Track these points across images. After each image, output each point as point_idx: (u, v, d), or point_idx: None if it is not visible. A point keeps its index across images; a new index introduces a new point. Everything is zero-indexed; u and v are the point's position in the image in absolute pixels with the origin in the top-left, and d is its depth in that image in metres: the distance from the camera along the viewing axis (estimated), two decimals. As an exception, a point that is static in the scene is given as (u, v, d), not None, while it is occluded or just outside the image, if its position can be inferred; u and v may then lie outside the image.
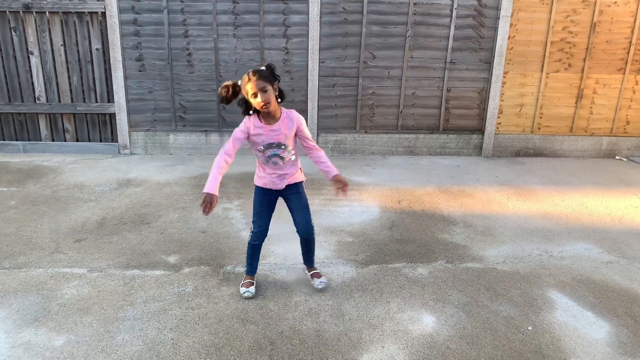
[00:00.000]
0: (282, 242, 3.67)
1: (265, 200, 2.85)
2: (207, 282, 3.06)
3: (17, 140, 6.44)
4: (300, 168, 2.89)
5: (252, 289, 2.90)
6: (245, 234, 3.82)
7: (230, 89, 2.64)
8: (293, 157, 2.79)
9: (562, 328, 2.65)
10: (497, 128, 6.67)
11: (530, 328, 2.64)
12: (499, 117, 6.61)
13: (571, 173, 5.93)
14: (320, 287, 2.96)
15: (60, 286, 2.98)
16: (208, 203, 2.58)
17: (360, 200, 4.71)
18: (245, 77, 2.58)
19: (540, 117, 6.66)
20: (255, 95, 2.54)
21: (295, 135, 2.75)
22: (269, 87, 2.54)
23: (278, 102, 2.66)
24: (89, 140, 6.49)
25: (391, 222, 4.17)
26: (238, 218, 4.17)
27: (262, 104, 2.53)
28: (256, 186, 2.86)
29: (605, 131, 6.79)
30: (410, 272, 3.25)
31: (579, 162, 6.53)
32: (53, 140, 6.46)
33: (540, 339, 2.54)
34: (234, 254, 3.48)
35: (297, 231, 2.90)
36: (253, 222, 2.88)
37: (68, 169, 5.66)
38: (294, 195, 2.84)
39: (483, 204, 4.68)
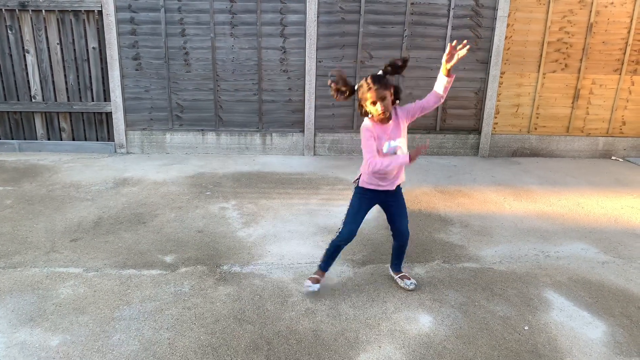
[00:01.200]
0: (278, 242, 3.67)
1: (364, 204, 2.82)
2: (204, 281, 3.06)
3: (12, 139, 6.41)
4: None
5: (317, 286, 2.90)
6: (242, 234, 3.82)
7: (348, 92, 2.62)
8: (406, 152, 2.69)
9: (559, 328, 2.66)
10: (494, 128, 6.68)
11: (526, 328, 2.65)
12: (495, 117, 6.63)
13: (567, 173, 5.95)
14: (411, 287, 2.97)
15: (55, 286, 2.97)
16: (417, 149, 2.46)
17: (357, 199, 4.71)
18: (364, 84, 2.55)
19: (537, 117, 6.68)
20: (374, 103, 2.53)
21: (410, 121, 2.72)
22: (388, 94, 2.54)
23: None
24: (85, 139, 6.46)
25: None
26: (235, 217, 4.16)
27: (382, 113, 2.53)
28: (360, 187, 2.82)
29: (602, 131, 6.82)
30: (407, 272, 3.25)
31: (575, 163, 6.55)
32: (49, 139, 6.43)
33: (537, 339, 2.55)
34: (230, 253, 3.48)
35: (396, 237, 2.94)
36: (344, 223, 2.83)
37: (64, 168, 5.64)
38: (395, 202, 2.85)
39: (480, 204, 4.68)
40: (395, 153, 2.66)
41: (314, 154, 6.60)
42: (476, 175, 5.73)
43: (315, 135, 6.53)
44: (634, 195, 5.10)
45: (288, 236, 3.79)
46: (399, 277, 3.06)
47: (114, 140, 6.44)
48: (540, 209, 4.60)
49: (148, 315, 2.67)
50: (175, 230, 3.86)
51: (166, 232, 3.84)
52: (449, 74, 2.57)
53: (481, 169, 6.06)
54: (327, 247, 2.94)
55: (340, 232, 2.84)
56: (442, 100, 2.66)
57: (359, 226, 2.82)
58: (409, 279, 3.03)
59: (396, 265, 3.09)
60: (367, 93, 2.53)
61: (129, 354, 2.34)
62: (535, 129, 6.73)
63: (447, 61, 2.54)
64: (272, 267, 3.27)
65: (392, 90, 2.59)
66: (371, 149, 2.61)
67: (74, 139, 6.45)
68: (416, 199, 4.79)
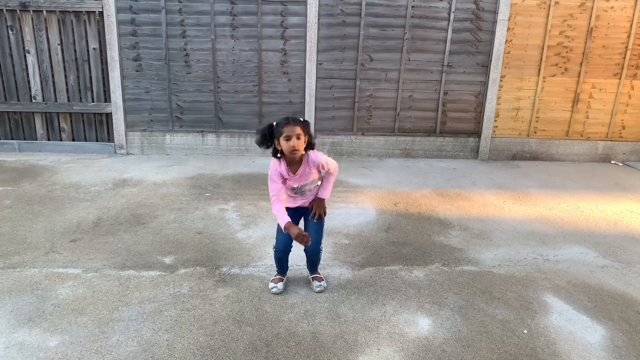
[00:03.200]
0: (278, 244, 3.66)
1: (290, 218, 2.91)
2: (203, 283, 3.05)
3: (12, 139, 6.41)
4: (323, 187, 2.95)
5: (281, 284, 2.99)
6: (241, 236, 3.82)
7: (267, 130, 2.69)
8: (318, 184, 2.91)
9: (558, 332, 2.66)
10: (494, 131, 6.68)
11: (525, 331, 2.65)
12: (495, 121, 6.63)
13: (567, 177, 5.96)
14: (318, 290, 3.00)
15: (54, 286, 2.96)
16: (300, 234, 2.66)
17: (356, 202, 4.71)
18: (283, 119, 2.65)
19: (537, 121, 6.68)
20: (288, 139, 2.60)
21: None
22: (302, 136, 2.64)
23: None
24: (85, 140, 6.47)
25: (387, 224, 4.17)
26: (234, 219, 4.16)
27: (293, 148, 2.61)
28: None
29: (601, 135, 6.83)
30: (406, 275, 3.25)
31: (575, 166, 6.56)
32: (49, 139, 6.43)
33: (536, 343, 2.55)
34: (229, 255, 3.47)
35: (305, 251, 2.94)
36: (276, 238, 2.94)
37: (64, 168, 5.64)
38: (313, 220, 2.92)
39: (479, 207, 4.69)
40: (303, 191, 2.84)
41: (314, 156, 6.59)
42: (476, 179, 5.73)
43: (315, 137, 6.52)
44: (633, 199, 5.11)
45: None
46: (311, 277, 3.10)
47: (113, 141, 6.44)
48: (540, 212, 4.60)
49: (147, 316, 2.67)
50: (174, 232, 3.86)
51: (165, 233, 3.83)
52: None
53: (481, 172, 6.07)
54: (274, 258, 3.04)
55: (275, 246, 2.96)
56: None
57: (287, 236, 2.83)
58: (321, 281, 3.04)
59: (310, 267, 3.13)
60: (283, 127, 2.61)
61: (128, 355, 2.34)
62: (535, 132, 6.74)
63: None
64: (272, 269, 3.26)
65: (307, 137, 2.69)
66: (273, 190, 2.75)
67: (73, 140, 6.45)
68: (415, 202, 4.79)
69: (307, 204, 2.93)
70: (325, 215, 2.92)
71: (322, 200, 2.89)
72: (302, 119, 2.70)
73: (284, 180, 2.79)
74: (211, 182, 5.23)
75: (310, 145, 2.75)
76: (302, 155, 2.73)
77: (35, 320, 2.60)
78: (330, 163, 2.82)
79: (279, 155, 2.73)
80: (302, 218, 2.99)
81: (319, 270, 3.13)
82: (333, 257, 3.47)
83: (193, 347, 2.42)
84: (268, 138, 2.68)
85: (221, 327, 2.60)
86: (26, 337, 2.46)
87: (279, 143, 2.66)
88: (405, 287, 3.09)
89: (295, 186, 2.80)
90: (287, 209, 2.86)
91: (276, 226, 2.86)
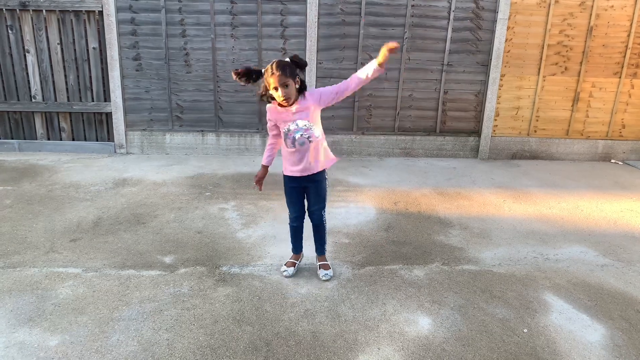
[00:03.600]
0: (278, 243, 3.66)
1: (293, 191, 3.00)
2: (203, 282, 3.06)
3: (12, 138, 6.41)
4: (327, 149, 2.96)
5: (292, 269, 3.12)
6: (241, 235, 3.82)
7: (254, 74, 2.66)
8: (318, 134, 2.84)
9: (558, 331, 2.66)
10: (494, 130, 6.68)
11: (525, 330, 2.65)
12: (495, 120, 6.63)
13: (567, 176, 5.96)
14: (324, 279, 3.09)
15: (55, 286, 2.96)
16: (257, 179, 2.98)
17: (356, 201, 4.71)
18: (269, 69, 2.60)
19: (537, 120, 6.68)
20: (276, 89, 2.59)
21: (323, 107, 2.85)
22: (291, 82, 2.60)
23: (299, 93, 2.72)
24: (85, 140, 6.46)
25: (387, 223, 4.17)
26: (234, 218, 4.16)
27: (283, 98, 2.60)
28: (284, 175, 2.98)
29: (601, 134, 6.82)
30: (406, 274, 3.25)
31: (575, 165, 6.56)
32: (49, 139, 6.43)
33: (536, 342, 2.55)
34: (229, 254, 3.47)
35: (310, 218, 3.07)
36: (289, 209, 3.08)
37: (64, 168, 5.64)
38: (313, 186, 2.95)
39: (479, 206, 4.69)
40: (302, 135, 2.76)
41: (314, 156, 6.60)
42: (476, 178, 5.73)
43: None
44: (633, 198, 5.11)
45: (287, 238, 3.77)
46: (318, 263, 3.19)
47: (113, 141, 6.44)
48: (540, 211, 4.60)
49: (147, 315, 2.67)
50: (174, 231, 3.86)
51: (166, 232, 3.83)
52: (381, 65, 2.73)
53: (481, 171, 6.07)
54: (290, 229, 3.17)
55: (289, 216, 3.12)
56: (363, 84, 2.82)
57: (301, 205, 3.03)
58: (327, 269, 3.13)
59: (317, 249, 3.22)
60: (269, 78, 2.59)
61: (128, 355, 2.34)
62: (535, 131, 6.74)
63: (391, 51, 2.68)
64: (272, 268, 3.27)
65: (297, 80, 2.65)
66: (269, 129, 2.90)
67: (73, 139, 6.45)
68: (415, 201, 4.79)
69: (309, 170, 2.86)
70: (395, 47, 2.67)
71: (379, 59, 2.76)
72: (287, 62, 2.61)
73: (279, 122, 2.79)
74: (211, 182, 5.23)
75: (302, 86, 2.70)
76: (297, 97, 2.72)
77: (35, 320, 2.60)
78: (336, 85, 2.77)
79: (270, 101, 2.75)
80: (305, 192, 3.00)
81: (326, 255, 3.22)
82: (333, 257, 3.47)
83: (193, 347, 2.42)
84: (263, 92, 2.68)
85: (221, 326, 2.60)
86: (26, 337, 2.46)
87: (269, 90, 2.66)
88: (405, 286, 3.09)
89: (290, 128, 2.74)
90: (290, 179, 2.92)
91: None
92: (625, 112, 6.74)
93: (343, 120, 6.56)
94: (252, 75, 2.66)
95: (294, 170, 2.89)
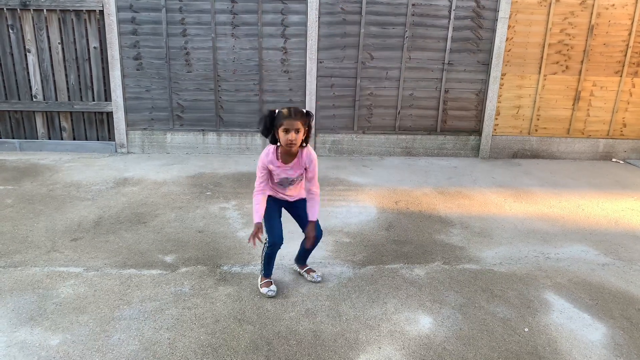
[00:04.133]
0: (279, 242, 3.66)
1: (275, 208, 2.92)
2: (204, 281, 3.06)
3: (13, 138, 6.42)
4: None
5: (274, 287, 2.98)
6: (243, 234, 3.82)
7: (268, 117, 2.67)
8: (302, 179, 2.90)
9: (559, 330, 2.66)
10: (495, 129, 6.68)
11: (526, 329, 2.65)
12: (496, 119, 6.63)
13: (568, 175, 5.95)
14: (318, 280, 3.08)
15: (56, 285, 2.97)
16: (253, 234, 2.72)
17: (357, 200, 4.71)
18: (286, 110, 2.62)
19: (538, 119, 6.68)
20: (287, 131, 2.59)
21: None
22: (302, 130, 2.63)
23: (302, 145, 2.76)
24: (86, 139, 6.47)
25: (388, 222, 4.17)
26: (235, 218, 4.16)
27: (289, 141, 2.61)
28: (268, 196, 2.92)
29: (602, 133, 6.82)
30: (407, 273, 3.25)
31: (576, 164, 6.55)
32: (50, 138, 6.44)
33: (537, 341, 2.55)
34: (230, 253, 3.48)
35: (304, 232, 2.95)
36: (267, 233, 2.90)
37: (65, 167, 5.64)
38: (299, 205, 2.94)
39: (480, 206, 4.68)
40: (288, 182, 2.82)
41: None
42: (477, 177, 5.73)
43: (316, 135, 6.53)
44: (634, 197, 5.10)
45: (288, 237, 3.76)
46: (304, 270, 3.16)
47: (114, 140, 6.44)
48: (541, 210, 4.60)
49: (148, 315, 2.67)
50: (175, 230, 3.86)
51: (166, 232, 3.84)
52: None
53: (482, 170, 6.06)
54: (262, 257, 2.98)
55: (267, 241, 2.89)
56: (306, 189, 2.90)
57: (281, 231, 2.90)
58: (315, 272, 3.13)
59: (302, 260, 3.19)
60: (284, 119, 2.59)
61: (129, 354, 2.34)
62: (536, 130, 6.73)
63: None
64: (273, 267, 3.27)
65: (306, 130, 2.68)
66: (259, 178, 2.79)
67: (74, 139, 6.45)
68: (416, 200, 4.79)
69: (288, 199, 2.92)
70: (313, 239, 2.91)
71: (313, 223, 2.87)
72: (305, 111, 2.67)
73: (270, 173, 2.79)
74: (212, 181, 5.23)
75: (307, 138, 2.73)
76: (298, 149, 2.74)
77: (36, 319, 2.61)
78: (316, 180, 2.86)
79: (278, 143, 2.73)
80: (289, 211, 2.99)
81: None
82: (334, 256, 3.48)
83: (194, 346, 2.42)
84: (269, 126, 2.67)
85: (222, 325, 2.60)
86: (28, 336, 2.46)
87: (277, 132, 2.65)
88: (406, 285, 3.09)
89: (284, 177, 2.79)
90: (274, 199, 2.91)
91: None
92: (626, 111, 6.73)
93: (344, 119, 6.56)
94: (267, 122, 2.68)
95: (275, 193, 2.91)
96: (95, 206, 4.37)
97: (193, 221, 4.06)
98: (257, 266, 3.28)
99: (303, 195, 2.95)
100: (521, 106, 6.62)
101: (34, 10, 5.99)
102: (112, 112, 6.31)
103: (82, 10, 6.01)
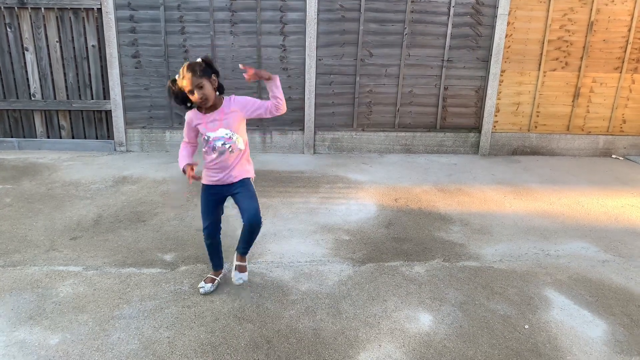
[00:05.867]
0: (278, 240, 3.66)
1: (210, 200, 2.77)
2: (204, 280, 3.05)
3: (12, 137, 6.40)
4: (249, 162, 2.78)
5: (209, 285, 2.88)
6: (242, 232, 3.81)
7: (172, 86, 2.58)
8: (242, 147, 2.68)
9: (559, 326, 2.65)
10: (494, 126, 6.67)
11: (527, 326, 2.64)
12: (496, 116, 6.62)
13: (568, 171, 5.95)
14: (238, 283, 2.79)
15: (55, 284, 2.96)
16: (189, 175, 2.59)
17: (357, 198, 4.71)
18: (180, 72, 2.52)
19: (537, 116, 6.67)
20: (191, 92, 2.50)
21: (247, 119, 2.69)
22: (205, 83, 2.50)
23: (218, 94, 2.62)
24: (85, 137, 6.45)
25: (388, 220, 4.16)
26: (234, 216, 4.15)
27: (199, 100, 2.51)
28: (202, 184, 2.77)
29: (602, 130, 6.81)
30: (407, 271, 3.25)
31: (576, 161, 6.54)
32: (48, 137, 6.42)
33: (537, 338, 2.55)
34: (230, 251, 3.46)
35: (244, 219, 2.67)
36: (203, 221, 2.82)
37: (63, 166, 5.63)
38: (241, 189, 2.70)
39: (480, 203, 4.68)
40: (223, 144, 2.62)
41: (314, 152, 6.59)
42: (476, 174, 5.72)
43: (315, 133, 6.52)
44: (634, 193, 5.10)
45: (288, 235, 3.78)
46: (236, 264, 2.80)
47: (113, 139, 6.43)
48: (541, 207, 4.59)
49: (148, 313, 2.67)
50: (175, 229, 3.86)
51: (166, 230, 3.83)
52: (268, 78, 2.61)
53: (481, 167, 6.06)
54: (205, 244, 2.92)
55: (203, 230, 2.85)
56: (279, 104, 2.61)
57: (217, 217, 2.81)
58: (243, 272, 2.79)
59: (242, 248, 2.80)
60: (182, 81, 2.50)
61: (129, 353, 2.34)
62: (536, 127, 6.72)
63: (250, 79, 2.58)
64: (272, 265, 3.26)
65: (212, 78, 2.54)
66: (185, 134, 2.72)
67: (73, 137, 6.44)
68: (416, 197, 4.79)
69: (230, 180, 2.68)
70: (267, 78, 2.60)
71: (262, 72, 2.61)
72: (198, 63, 2.52)
73: (199, 127, 2.64)
74: (211, 179, 5.22)
75: (220, 87, 2.61)
76: (220, 100, 2.62)
77: (36, 318, 2.60)
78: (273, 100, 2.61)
79: (188, 105, 2.63)
80: (233, 197, 2.73)
81: (246, 256, 2.83)
82: (334, 254, 3.47)
83: (194, 344, 2.41)
84: (178, 95, 2.57)
85: (222, 323, 2.60)
86: (27, 335, 2.46)
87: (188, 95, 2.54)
88: (406, 283, 3.09)
89: (210, 135, 2.59)
90: (209, 187, 2.73)
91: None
92: (626, 107, 6.72)
93: (343, 116, 6.54)
94: (173, 86, 2.58)
95: (212, 180, 2.70)
96: (94, 205, 4.36)
97: (192, 219, 4.06)
98: (256, 264, 3.28)
99: (247, 172, 2.73)
100: (521, 103, 6.60)
101: (31, 8, 5.97)
102: (110, 110, 6.30)
103: (80, 9, 5.99)
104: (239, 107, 2.65)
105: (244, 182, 2.72)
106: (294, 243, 3.63)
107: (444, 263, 3.38)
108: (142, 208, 4.30)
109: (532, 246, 3.71)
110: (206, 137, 2.63)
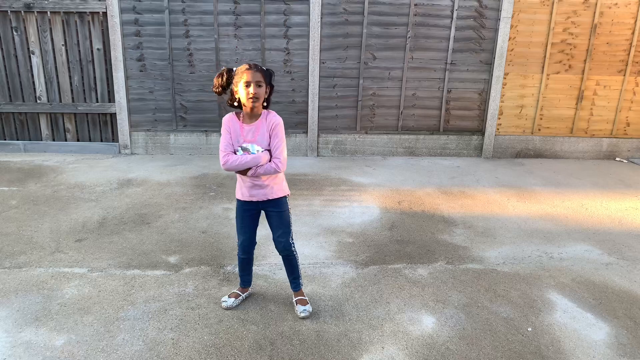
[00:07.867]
0: (282, 243, 3.67)
1: (246, 216, 2.68)
2: (208, 282, 3.07)
3: (18, 139, 6.45)
4: (283, 178, 2.68)
5: (232, 300, 2.79)
6: (246, 234, 3.82)
7: (225, 74, 2.48)
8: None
9: (562, 329, 2.65)
10: (498, 129, 6.67)
11: (530, 329, 2.64)
12: (499, 118, 6.62)
13: (571, 174, 5.94)
14: (302, 315, 2.68)
15: (60, 286, 2.98)
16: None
17: (360, 201, 4.72)
18: (245, 65, 2.46)
19: (541, 119, 6.66)
20: (248, 84, 2.40)
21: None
22: (264, 84, 2.46)
23: (263, 106, 2.55)
24: (90, 140, 6.50)
25: (391, 222, 4.17)
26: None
27: (252, 96, 2.41)
28: (237, 199, 2.68)
29: (606, 133, 6.80)
30: (410, 273, 3.25)
31: (579, 164, 6.53)
32: (54, 139, 6.47)
33: (540, 340, 2.55)
34: (234, 254, 3.48)
35: (276, 248, 2.72)
36: (237, 231, 2.75)
37: (69, 168, 5.66)
38: (275, 212, 2.65)
39: (483, 205, 4.68)
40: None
41: (317, 155, 6.61)
42: (480, 177, 5.72)
43: (318, 136, 6.54)
44: (638, 196, 5.09)
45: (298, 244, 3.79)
46: (295, 299, 2.77)
47: (118, 141, 6.47)
48: (544, 210, 4.59)
49: (152, 315, 2.68)
50: (179, 231, 3.88)
51: (170, 232, 3.85)
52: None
53: (485, 170, 6.06)
54: (238, 260, 2.83)
55: (238, 246, 2.77)
56: (279, 168, 2.52)
57: (252, 233, 2.71)
58: (305, 305, 2.72)
59: (292, 284, 2.81)
60: (244, 73, 2.41)
61: (134, 354, 2.35)
62: (539, 130, 6.72)
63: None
64: (276, 267, 3.28)
65: (268, 88, 2.50)
66: (224, 143, 2.51)
67: (78, 140, 6.48)
68: (419, 200, 4.79)
69: (264, 197, 2.59)
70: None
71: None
72: (265, 68, 2.50)
73: (233, 135, 2.52)
74: (215, 182, 5.24)
75: (268, 100, 2.55)
76: (260, 111, 2.52)
77: (41, 320, 2.62)
78: (282, 152, 2.51)
79: (235, 104, 2.51)
80: (266, 216, 2.68)
81: (302, 289, 2.81)
82: (337, 256, 3.48)
83: (198, 346, 2.43)
84: (226, 83, 2.46)
85: (226, 325, 2.61)
86: (33, 336, 2.48)
87: (237, 91, 2.45)
88: (409, 285, 3.09)
89: (244, 145, 2.49)
90: (243, 203, 2.63)
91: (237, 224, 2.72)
92: (629, 110, 6.71)
93: (346, 119, 6.56)
94: (224, 76, 2.49)
95: (246, 196, 2.61)
96: (99, 207, 4.38)
97: (197, 222, 4.08)
98: (260, 267, 3.29)
99: (280, 191, 2.62)
100: (524, 106, 6.60)
101: (37, 12, 6.02)
102: (115, 113, 6.34)
103: (85, 12, 6.04)
104: (267, 127, 2.52)
105: (279, 203, 2.64)
106: (297, 245, 3.63)
107: (447, 265, 3.39)
108: (146, 210, 4.32)
109: (536, 249, 3.71)
110: (238, 149, 2.52)
